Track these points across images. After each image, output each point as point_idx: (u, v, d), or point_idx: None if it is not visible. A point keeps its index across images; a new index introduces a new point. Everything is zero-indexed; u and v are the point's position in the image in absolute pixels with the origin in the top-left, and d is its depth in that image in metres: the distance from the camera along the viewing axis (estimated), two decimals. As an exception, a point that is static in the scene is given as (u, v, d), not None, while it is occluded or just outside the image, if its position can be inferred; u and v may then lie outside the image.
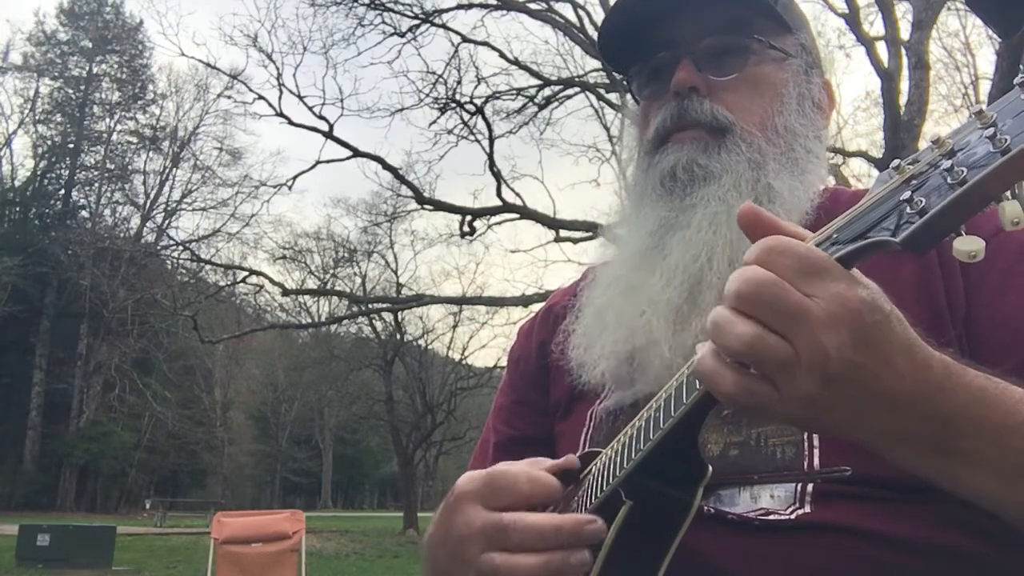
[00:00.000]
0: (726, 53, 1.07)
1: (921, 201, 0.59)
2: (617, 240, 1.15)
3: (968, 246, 0.58)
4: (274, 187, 18.73)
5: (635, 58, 1.14)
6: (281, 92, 16.16)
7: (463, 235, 16.15)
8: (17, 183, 44.53)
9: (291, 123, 16.07)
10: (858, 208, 0.65)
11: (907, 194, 0.60)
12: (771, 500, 0.89)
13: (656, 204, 1.06)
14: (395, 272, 27.87)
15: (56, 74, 45.26)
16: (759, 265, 0.64)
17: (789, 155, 1.05)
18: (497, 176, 14.83)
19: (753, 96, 1.07)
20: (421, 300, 19.15)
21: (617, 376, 1.03)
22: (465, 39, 15.21)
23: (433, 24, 15.05)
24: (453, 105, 15.48)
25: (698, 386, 0.73)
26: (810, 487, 0.88)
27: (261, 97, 16.52)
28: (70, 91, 45.48)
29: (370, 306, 23.23)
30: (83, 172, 46.04)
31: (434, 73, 15.60)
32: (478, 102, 15.41)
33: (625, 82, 1.24)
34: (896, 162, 0.62)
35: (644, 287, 1.01)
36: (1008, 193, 0.57)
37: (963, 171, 0.57)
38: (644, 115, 1.14)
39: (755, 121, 1.05)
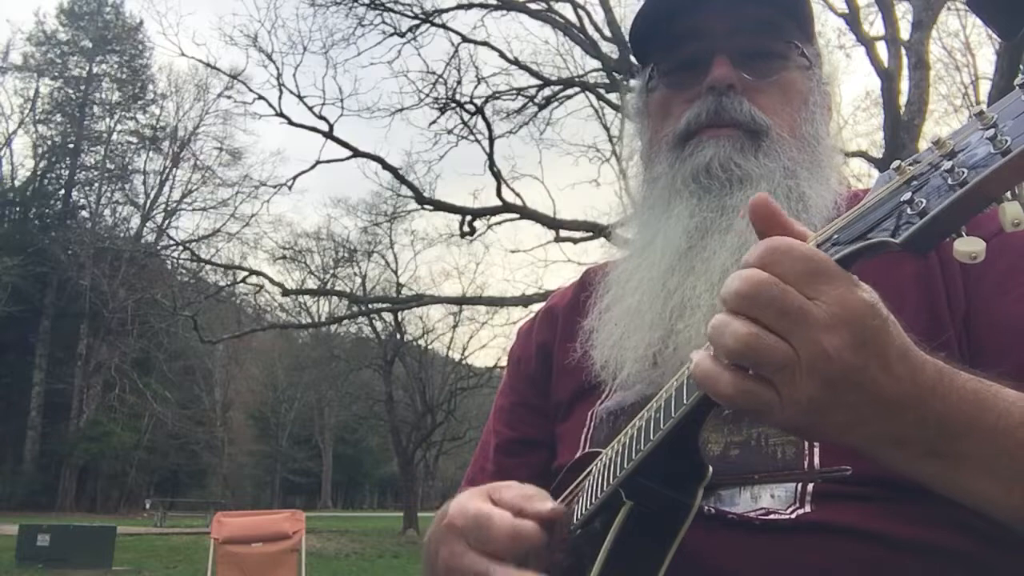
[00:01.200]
0: (762, 55, 1.06)
1: (922, 202, 0.59)
2: (637, 236, 1.11)
3: (969, 247, 0.58)
4: (274, 187, 18.79)
5: (659, 44, 1.10)
6: (281, 92, 16.19)
7: (463, 235, 16.16)
8: (17, 183, 44.56)
9: (291, 123, 16.08)
10: (859, 209, 0.65)
11: (908, 195, 0.60)
12: (771, 500, 0.89)
13: (690, 201, 1.03)
14: (395, 272, 27.89)
15: (56, 74, 45.28)
16: (762, 266, 0.64)
17: (817, 163, 1.04)
18: (497, 176, 14.84)
19: (784, 102, 1.06)
20: (421, 300, 19.15)
21: (645, 378, 1.00)
22: (465, 39, 15.21)
23: (433, 24, 15.06)
24: (453, 105, 15.49)
25: (698, 387, 0.73)
26: (810, 487, 0.88)
27: (261, 97, 16.55)
28: (70, 91, 45.50)
29: (370, 306, 23.24)
30: (83, 172, 46.13)
31: (434, 73, 15.62)
32: (478, 102, 15.43)
33: (633, 71, 1.21)
34: (896, 163, 0.62)
35: (683, 289, 0.98)
36: (1009, 194, 0.57)
37: (964, 172, 0.56)
38: (665, 105, 1.11)
39: (786, 127, 1.05)
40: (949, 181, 0.57)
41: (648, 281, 1.02)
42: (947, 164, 0.58)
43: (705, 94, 1.04)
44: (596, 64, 15.08)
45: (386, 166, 16.19)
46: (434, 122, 15.86)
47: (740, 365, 0.65)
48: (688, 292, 0.98)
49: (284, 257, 27.05)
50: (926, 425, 0.67)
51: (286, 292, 19.90)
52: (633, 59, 1.21)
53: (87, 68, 45.53)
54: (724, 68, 1.03)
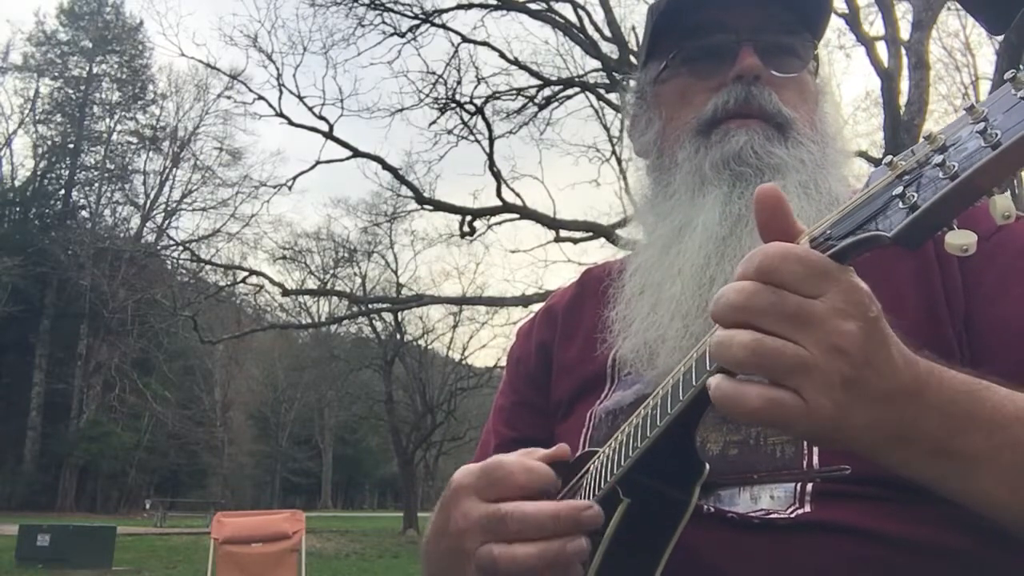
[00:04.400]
0: (787, 52, 1.08)
1: (913, 196, 0.59)
2: (659, 223, 1.09)
3: (960, 240, 0.58)
4: (274, 187, 18.77)
5: (681, 33, 1.10)
6: (281, 92, 16.20)
7: (463, 235, 16.16)
8: (17, 183, 44.57)
9: (291, 123, 16.09)
10: (851, 204, 0.65)
11: (899, 189, 0.60)
12: (771, 500, 0.89)
13: (721, 188, 1.02)
14: (395, 272, 27.92)
15: (56, 74, 45.29)
16: (761, 273, 0.64)
17: (836, 161, 1.05)
18: (497, 176, 14.85)
19: (802, 100, 1.07)
20: (421, 300, 19.13)
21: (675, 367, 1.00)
22: (465, 39, 15.20)
23: (433, 24, 15.05)
24: (453, 105, 15.49)
25: (695, 383, 0.73)
26: (809, 486, 0.88)
27: (261, 97, 16.57)
28: (70, 91, 45.50)
29: (370, 306, 23.24)
30: (83, 172, 46.13)
31: (434, 73, 15.61)
32: (478, 102, 15.43)
33: (635, 67, 1.21)
34: (888, 158, 0.62)
35: (723, 276, 0.97)
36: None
37: (954, 166, 0.57)
38: (684, 93, 1.10)
39: (807, 123, 1.06)
40: (940, 175, 0.57)
41: (689, 268, 1.01)
42: (938, 158, 0.58)
43: (732, 83, 1.05)
44: (596, 64, 15.08)
45: (386, 166, 16.20)
46: (434, 122, 15.87)
47: (753, 377, 0.65)
48: (729, 279, 0.96)
49: (284, 257, 27.08)
50: (928, 418, 0.67)
51: (286, 292, 19.89)
52: (633, 59, 1.21)
53: (87, 68, 45.54)
54: (753, 59, 1.04)
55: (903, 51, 10.43)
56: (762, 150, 1.02)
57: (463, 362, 30.58)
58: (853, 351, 0.62)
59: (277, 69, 16.60)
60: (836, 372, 0.62)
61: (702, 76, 1.09)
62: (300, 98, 16.06)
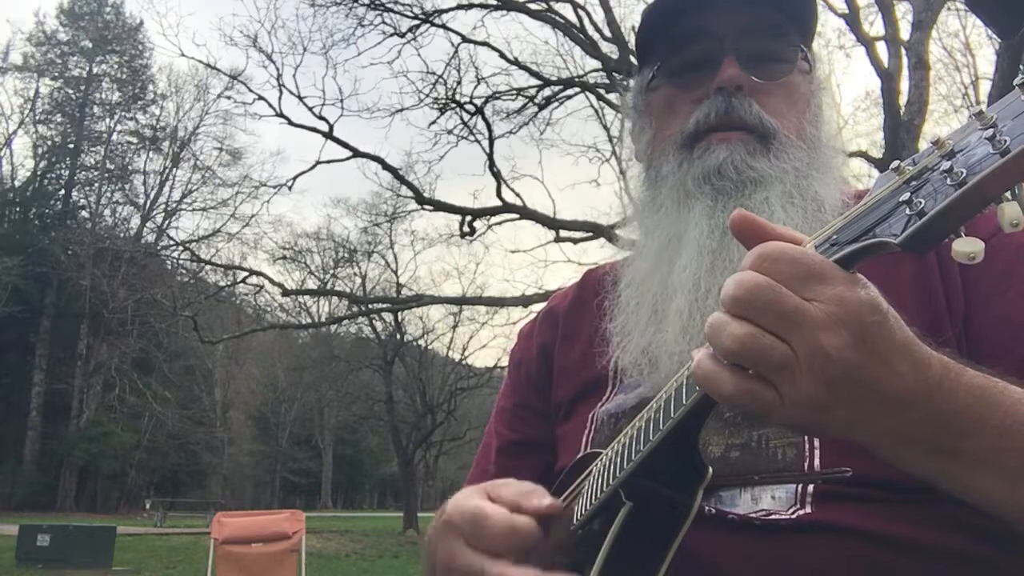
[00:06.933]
0: (770, 58, 1.07)
1: (921, 202, 0.58)
2: (648, 236, 1.10)
3: (967, 247, 0.58)
4: (274, 187, 18.75)
5: (666, 43, 1.10)
6: (281, 92, 16.20)
7: (463, 235, 16.17)
8: (17, 183, 44.57)
9: (291, 123, 16.09)
10: (858, 209, 0.65)
11: (907, 195, 0.60)
12: (772, 501, 0.89)
13: (705, 201, 1.03)
14: (395, 272, 27.94)
15: (56, 74, 45.29)
16: (755, 271, 0.64)
17: (826, 164, 1.05)
18: (497, 176, 14.85)
19: (790, 104, 1.07)
20: (421, 300, 19.14)
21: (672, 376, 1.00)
22: (465, 39, 15.20)
23: (433, 24, 15.05)
24: (453, 105, 15.49)
25: (698, 388, 0.73)
26: (810, 488, 0.88)
27: (261, 97, 16.57)
28: (70, 91, 45.51)
29: (370, 306, 23.26)
30: (83, 172, 46.11)
31: (434, 73, 15.61)
32: (478, 102, 15.44)
33: (632, 71, 1.21)
34: (896, 163, 0.62)
35: (716, 289, 0.96)
36: (1008, 194, 0.57)
37: (962, 172, 0.56)
38: (670, 104, 1.11)
39: (793, 129, 1.05)
40: (948, 181, 0.57)
41: (685, 281, 1.01)
42: (946, 164, 0.58)
43: (714, 95, 1.05)
44: (596, 64, 15.08)
45: (386, 166, 16.20)
46: (434, 122, 15.87)
47: (739, 365, 0.66)
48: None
49: (284, 257, 27.13)
50: (932, 422, 0.67)
51: (286, 292, 19.89)
52: (633, 59, 1.21)
53: (87, 68, 45.53)
54: (734, 69, 1.04)
55: (903, 51, 10.44)
56: (743, 164, 1.02)
57: (463, 362, 30.63)
58: (839, 356, 0.62)
59: (277, 69, 16.70)
60: (818, 372, 0.63)
61: (686, 87, 1.09)
62: (300, 98, 16.08)
